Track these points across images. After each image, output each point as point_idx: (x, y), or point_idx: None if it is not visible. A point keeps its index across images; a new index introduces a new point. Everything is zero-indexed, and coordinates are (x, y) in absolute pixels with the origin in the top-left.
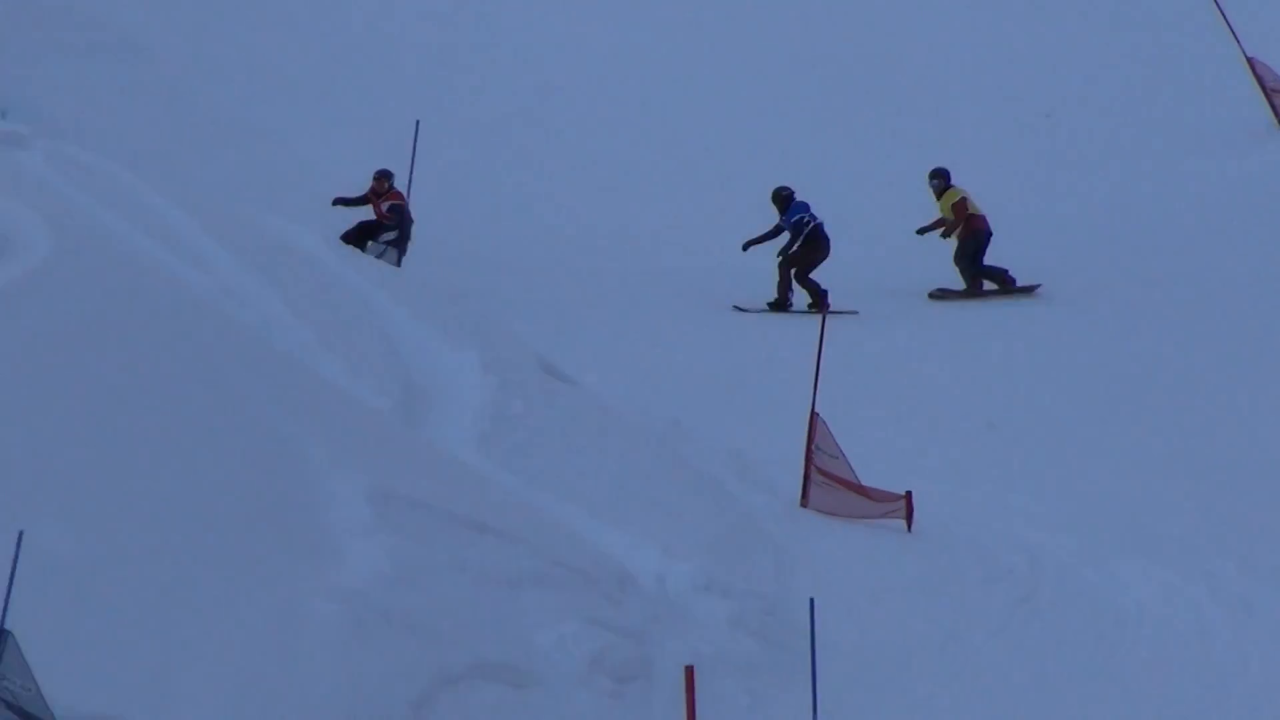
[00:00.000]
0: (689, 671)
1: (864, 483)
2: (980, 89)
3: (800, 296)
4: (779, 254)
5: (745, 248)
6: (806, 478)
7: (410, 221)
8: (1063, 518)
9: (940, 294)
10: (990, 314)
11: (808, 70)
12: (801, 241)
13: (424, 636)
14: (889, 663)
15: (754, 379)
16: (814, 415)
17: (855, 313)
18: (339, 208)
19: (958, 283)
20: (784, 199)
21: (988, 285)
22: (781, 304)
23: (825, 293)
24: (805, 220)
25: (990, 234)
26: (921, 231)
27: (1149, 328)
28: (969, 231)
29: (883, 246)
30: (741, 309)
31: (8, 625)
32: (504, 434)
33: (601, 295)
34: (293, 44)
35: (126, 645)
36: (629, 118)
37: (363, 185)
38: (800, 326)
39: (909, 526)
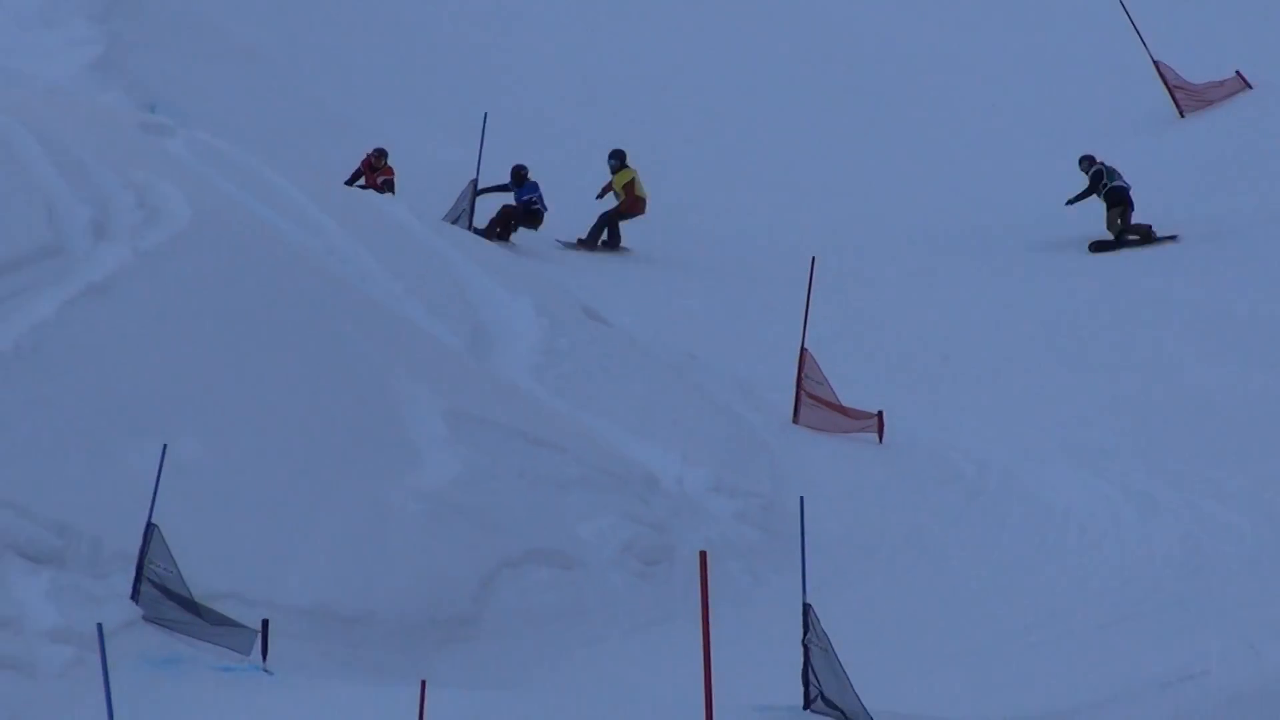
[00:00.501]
0: (703, 556)
1: (844, 403)
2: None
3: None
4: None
5: (1069, 203)
6: (798, 400)
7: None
8: (1005, 433)
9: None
10: (964, 269)
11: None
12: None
13: (489, 528)
14: (864, 549)
15: (755, 322)
16: (804, 350)
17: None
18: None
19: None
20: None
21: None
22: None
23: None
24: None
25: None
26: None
27: (1105, 282)
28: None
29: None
30: None
31: (154, 520)
32: (553, 365)
33: (632, 254)
34: (382, 47)
35: (248, 535)
36: (665, 108)
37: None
38: (794, 279)
39: (880, 439)
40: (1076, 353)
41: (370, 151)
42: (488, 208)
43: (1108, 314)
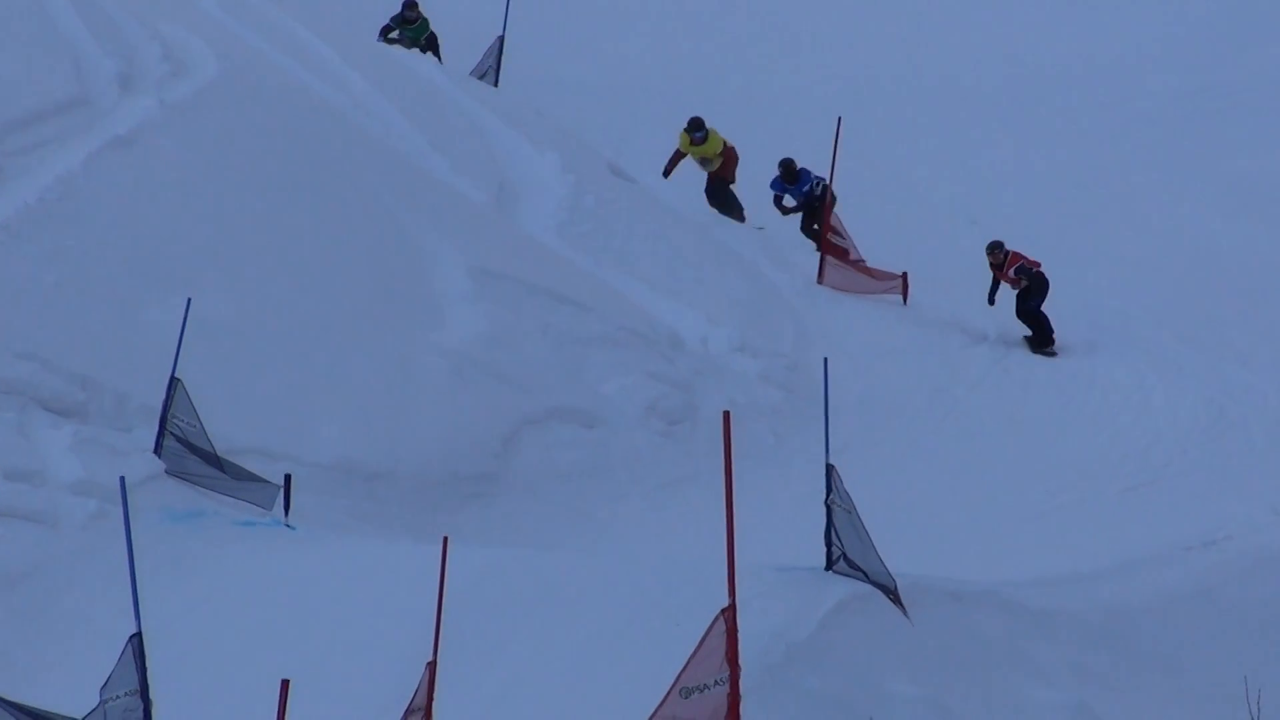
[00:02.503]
0: (726, 416)
1: (869, 265)
2: None
3: None
4: None
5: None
6: (822, 260)
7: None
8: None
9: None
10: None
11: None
12: None
13: (512, 385)
14: (887, 410)
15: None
16: (829, 208)
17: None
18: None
19: None
20: None
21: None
22: None
23: None
24: None
25: None
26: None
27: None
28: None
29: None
30: None
31: (177, 375)
32: (579, 222)
33: (654, 114)
34: None
35: (272, 390)
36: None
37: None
38: (821, 140)
39: (905, 300)
40: (1095, 210)
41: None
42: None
43: (1132, 179)
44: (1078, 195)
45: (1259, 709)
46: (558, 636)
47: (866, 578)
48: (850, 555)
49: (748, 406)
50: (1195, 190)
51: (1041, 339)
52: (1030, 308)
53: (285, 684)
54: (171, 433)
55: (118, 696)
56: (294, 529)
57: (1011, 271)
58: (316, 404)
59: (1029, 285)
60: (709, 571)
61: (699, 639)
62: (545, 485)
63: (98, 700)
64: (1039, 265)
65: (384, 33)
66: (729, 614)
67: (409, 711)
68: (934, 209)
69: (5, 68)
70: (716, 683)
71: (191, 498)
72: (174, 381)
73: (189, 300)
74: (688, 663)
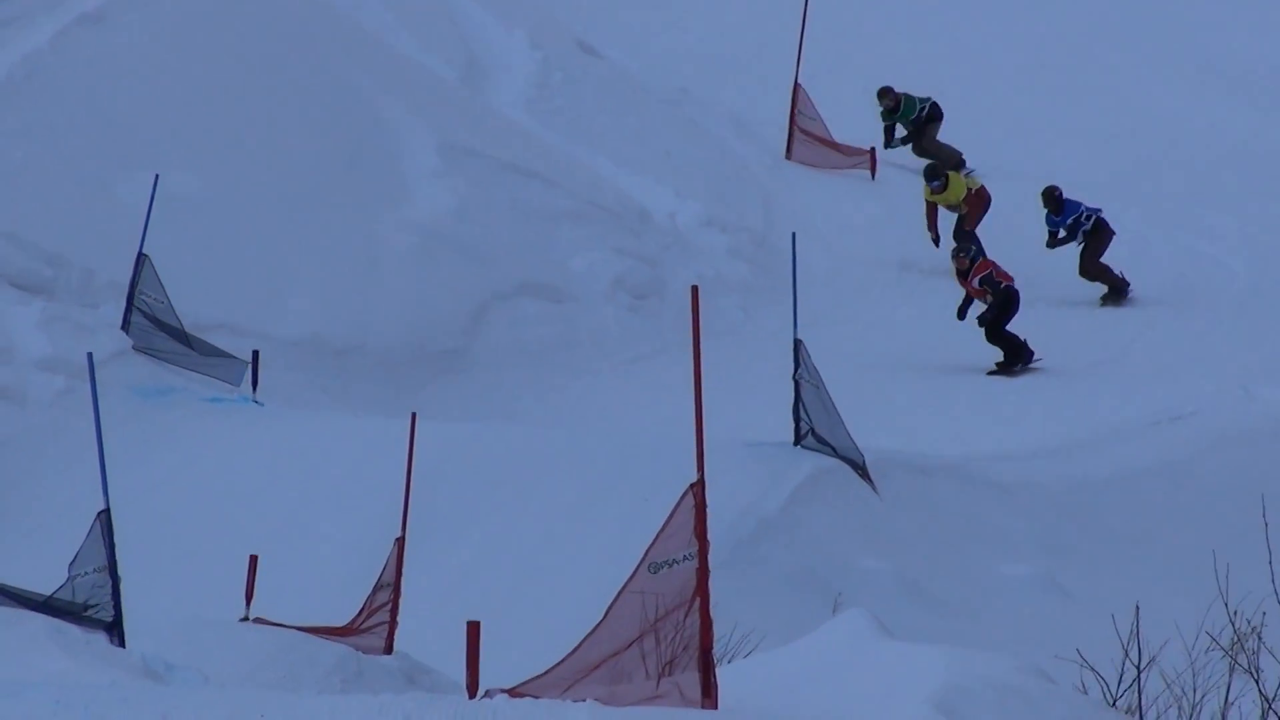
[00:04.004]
0: (694, 291)
1: (836, 139)
2: None
3: None
4: None
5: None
6: (790, 135)
7: None
8: (995, 169)
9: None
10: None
11: None
12: None
13: (481, 261)
14: (855, 285)
15: (748, 55)
16: (797, 85)
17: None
18: None
19: None
20: None
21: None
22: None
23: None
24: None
25: None
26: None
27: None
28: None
29: None
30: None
31: (145, 251)
32: (547, 98)
33: None
34: None
35: (239, 266)
36: None
37: None
38: (788, 9)
39: (873, 175)
40: (1062, 85)
41: None
42: None
43: (1102, 55)
44: (1047, 70)
45: (1226, 581)
46: (525, 511)
47: (835, 452)
48: (818, 430)
49: (716, 281)
50: (1166, 68)
51: (1012, 359)
52: (997, 328)
53: (254, 559)
54: (139, 309)
55: (86, 573)
56: (262, 405)
57: (976, 281)
58: (285, 280)
59: (994, 301)
60: (677, 446)
61: (667, 514)
62: (513, 360)
63: (66, 576)
64: (1011, 279)
65: None
66: (697, 489)
67: (378, 587)
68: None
69: None
70: (685, 557)
71: (159, 374)
72: (141, 257)
73: (156, 176)
74: (656, 538)
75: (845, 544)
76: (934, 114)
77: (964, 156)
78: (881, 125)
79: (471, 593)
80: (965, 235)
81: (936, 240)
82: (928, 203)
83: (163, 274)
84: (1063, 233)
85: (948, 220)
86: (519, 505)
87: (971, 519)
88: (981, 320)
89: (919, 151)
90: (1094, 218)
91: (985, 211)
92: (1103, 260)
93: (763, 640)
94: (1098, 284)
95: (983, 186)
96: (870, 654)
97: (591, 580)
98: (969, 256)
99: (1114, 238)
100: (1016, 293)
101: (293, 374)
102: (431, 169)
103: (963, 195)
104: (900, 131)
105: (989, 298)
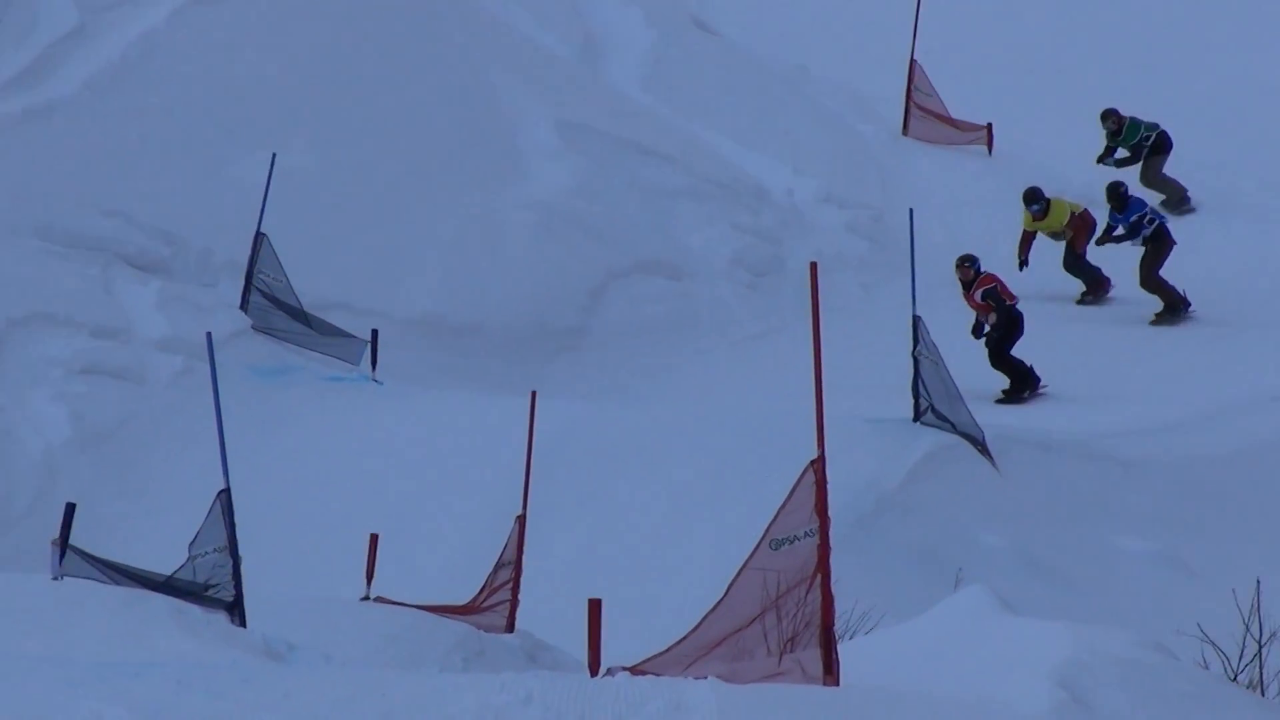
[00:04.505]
0: (813, 267)
1: (953, 116)
2: None
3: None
4: None
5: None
6: (907, 112)
7: None
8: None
9: None
10: None
11: None
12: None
13: (599, 239)
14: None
15: (865, 32)
16: (913, 62)
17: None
18: None
19: None
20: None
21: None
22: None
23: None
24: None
25: None
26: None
27: None
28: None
29: None
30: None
31: (263, 230)
32: (663, 76)
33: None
34: None
35: (358, 245)
36: None
37: None
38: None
39: (990, 150)
40: (1179, 67)
41: None
42: None
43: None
44: (1165, 45)
45: None
46: (646, 488)
47: (954, 428)
48: (938, 406)
49: (834, 258)
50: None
51: (1019, 386)
52: (1001, 351)
53: (374, 538)
54: (258, 288)
55: (206, 552)
56: (381, 384)
57: (979, 295)
58: (403, 259)
59: (998, 321)
60: (797, 423)
61: (788, 491)
62: (632, 338)
63: (186, 556)
64: (1015, 300)
65: None
66: (818, 465)
67: (499, 565)
68: (1018, 53)
69: None
70: (806, 534)
71: (278, 353)
72: (260, 236)
73: (274, 155)
74: (777, 515)
75: (965, 520)
76: (1160, 144)
77: (1189, 193)
78: (1103, 144)
79: (592, 570)
80: (1076, 260)
81: (1023, 264)
82: (1025, 230)
83: (281, 253)
84: (1120, 229)
85: (1050, 248)
86: (640, 483)
87: (1092, 495)
88: (987, 340)
89: (1145, 181)
90: (1157, 223)
91: (1092, 234)
92: (1162, 274)
93: (883, 617)
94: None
95: (1086, 210)
96: (991, 630)
97: (712, 557)
98: (974, 267)
99: (1174, 247)
100: (1021, 314)
101: (412, 353)
102: (549, 147)
103: (1065, 220)
104: (1121, 152)
105: (992, 315)
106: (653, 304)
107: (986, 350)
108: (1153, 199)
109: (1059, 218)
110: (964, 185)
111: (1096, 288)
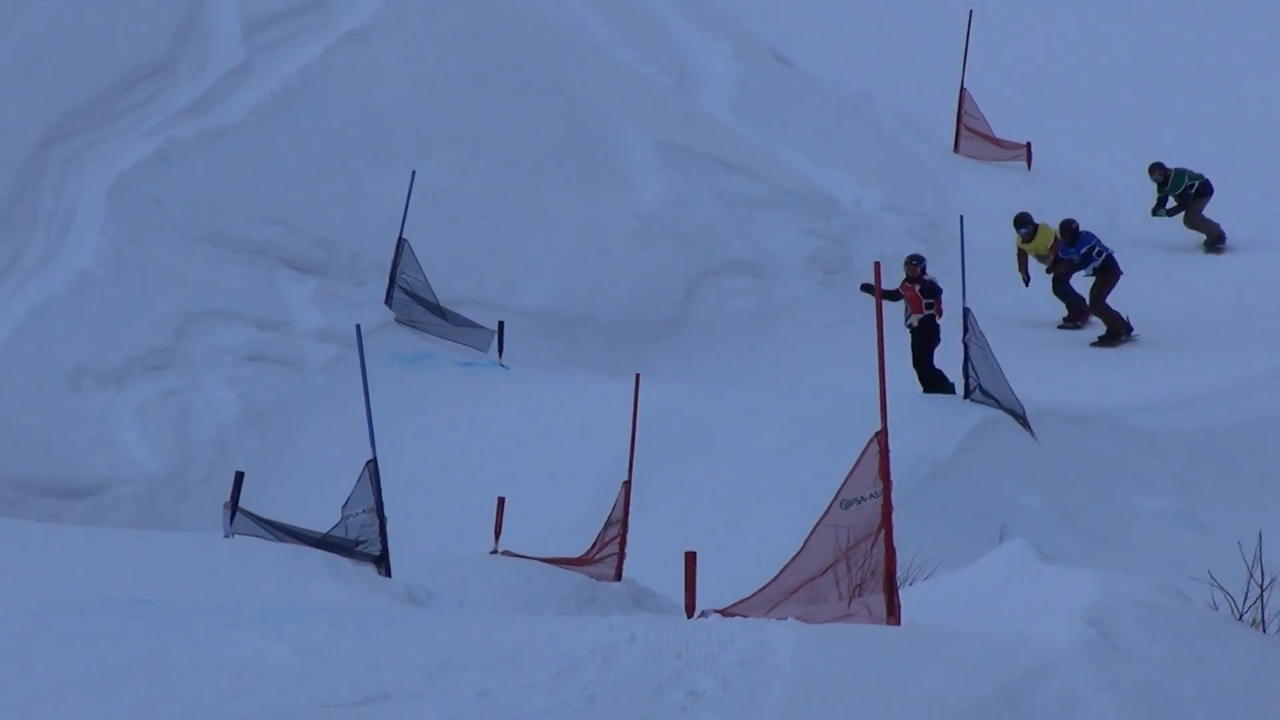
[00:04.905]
0: (876, 266)
1: (997, 135)
2: None
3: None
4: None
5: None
6: (958, 132)
7: None
8: (1140, 159)
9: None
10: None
11: None
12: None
13: (692, 242)
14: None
15: (919, 62)
16: (963, 90)
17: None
18: None
19: None
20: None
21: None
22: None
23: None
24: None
25: None
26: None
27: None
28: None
29: None
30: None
31: (404, 236)
32: (747, 102)
33: (817, 5)
34: None
35: (486, 248)
36: None
37: None
38: (952, 28)
39: (1029, 166)
40: (1208, 76)
41: None
42: None
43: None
44: (1198, 70)
45: None
46: (735, 457)
47: (998, 405)
48: (984, 385)
49: (894, 257)
50: None
51: (936, 389)
52: (925, 357)
53: (501, 501)
54: (400, 286)
55: (356, 514)
56: (507, 368)
57: (918, 289)
58: (525, 260)
59: (921, 324)
60: (863, 401)
61: (855, 458)
62: (721, 328)
63: (339, 517)
64: (941, 314)
65: None
66: (881, 437)
67: (608, 523)
68: (1056, 75)
69: None
70: (871, 495)
71: (417, 342)
72: (402, 242)
73: (414, 173)
74: (846, 479)
75: (1008, 483)
76: (1204, 189)
77: (1224, 231)
78: (1155, 193)
79: (689, 527)
80: (1059, 286)
81: (1026, 281)
82: (1019, 249)
83: (420, 256)
84: (1075, 259)
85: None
86: (728, 452)
87: (1117, 461)
88: (914, 338)
89: (1188, 224)
90: (1105, 255)
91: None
92: (1108, 301)
93: (938, 566)
94: (1097, 321)
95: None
96: (1030, 577)
97: (792, 515)
98: (921, 267)
99: (1121, 277)
100: (939, 326)
101: (532, 341)
102: (649, 163)
103: (1049, 244)
104: (1170, 203)
105: (915, 318)
106: (738, 299)
107: (912, 352)
108: (1194, 239)
109: (1044, 242)
110: (1007, 196)
111: (1078, 316)
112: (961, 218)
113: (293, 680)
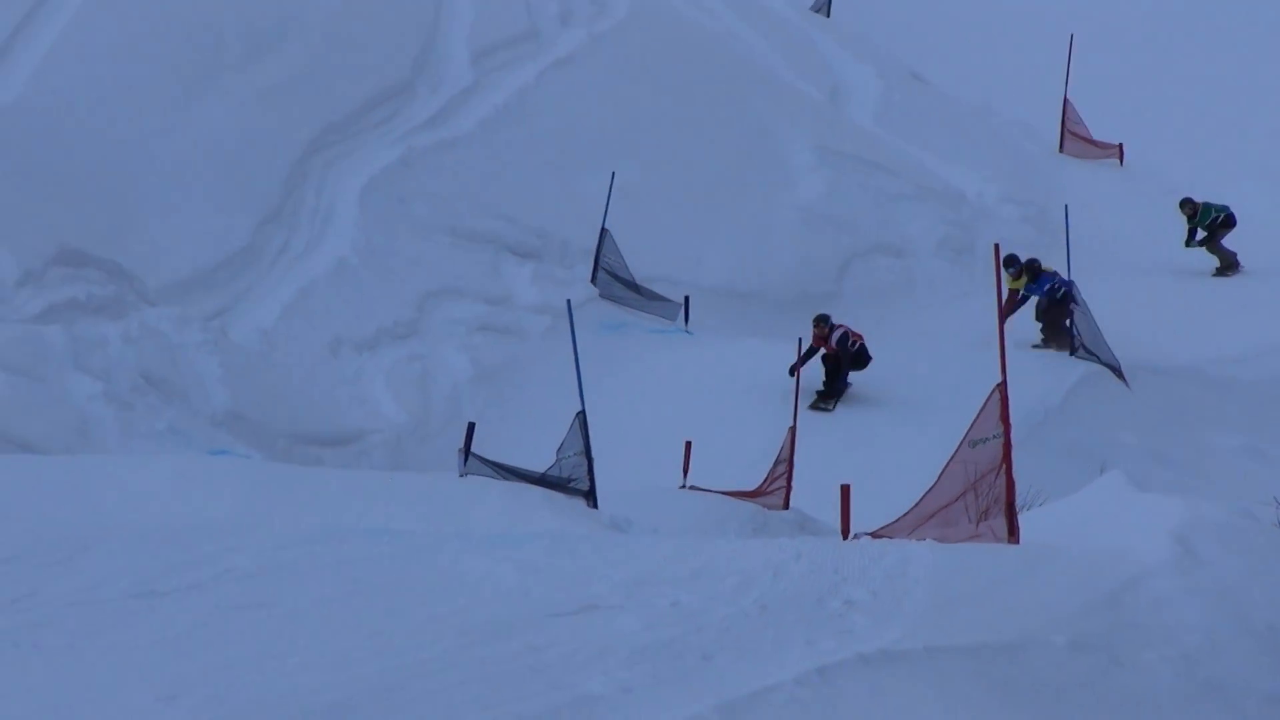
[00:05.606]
0: (996, 248)
1: (1095, 137)
2: None
3: None
4: None
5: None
6: (1062, 135)
7: None
8: (1222, 160)
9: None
10: None
11: None
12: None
13: (845, 230)
14: (1111, 244)
15: (1033, 79)
16: (1066, 99)
17: None
18: None
19: None
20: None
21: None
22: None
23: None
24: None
25: None
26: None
27: None
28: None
29: None
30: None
31: (607, 226)
32: (889, 113)
33: (950, 28)
34: None
35: (673, 236)
36: None
37: None
38: (1055, 47)
39: (1121, 163)
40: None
41: None
42: None
43: None
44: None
45: None
46: (879, 406)
47: (1098, 360)
48: (1087, 344)
49: (1010, 242)
50: None
51: (831, 393)
52: (839, 373)
53: (688, 444)
54: (603, 268)
55: (568, 456)
56: (692, 334)
57: (834, 341)
58: (706, 246)
59: (847, 358)
60: (986, 358)
61: (980, 406)
62: (868, 300)
63: (554, 459)
64: (860, 338)
65: None
66: (1001, 387)
67: (777, 461)
68: (1155, 89)
69: (475, 11)
70: (994, 436)
71: (617, 314)
72: (604, 231)
73: (613, 174)
74: (973, 422)
75: (1107, 426)
76: (1228, 220)
77: (1239, 259)
78: (1185, 225)
79: (844, 464)
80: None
81: (1003, 319)
82: (1009, 288)
83: (618, 242)
84: (1036, 298)
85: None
86: (875, 401)
87: (1198, 405)
88: (832, 369)
89: (1211, 250)
90: (1063, 289)
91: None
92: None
93: (1050, 495)
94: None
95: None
96: (1126, 503)
97: (931, 450)
98: (827, 325)
99: (1076, 307)
100: (865, 349)
101: (712, 312)
102: (808, 164)
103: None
104: (1200, 234)
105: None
106: (883, 275)
107: (825, 371)
108: (1209, 263)
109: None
110: (1102, 188)
111: (1060, 343)
112: (1066, 207)
113: (516, 595)
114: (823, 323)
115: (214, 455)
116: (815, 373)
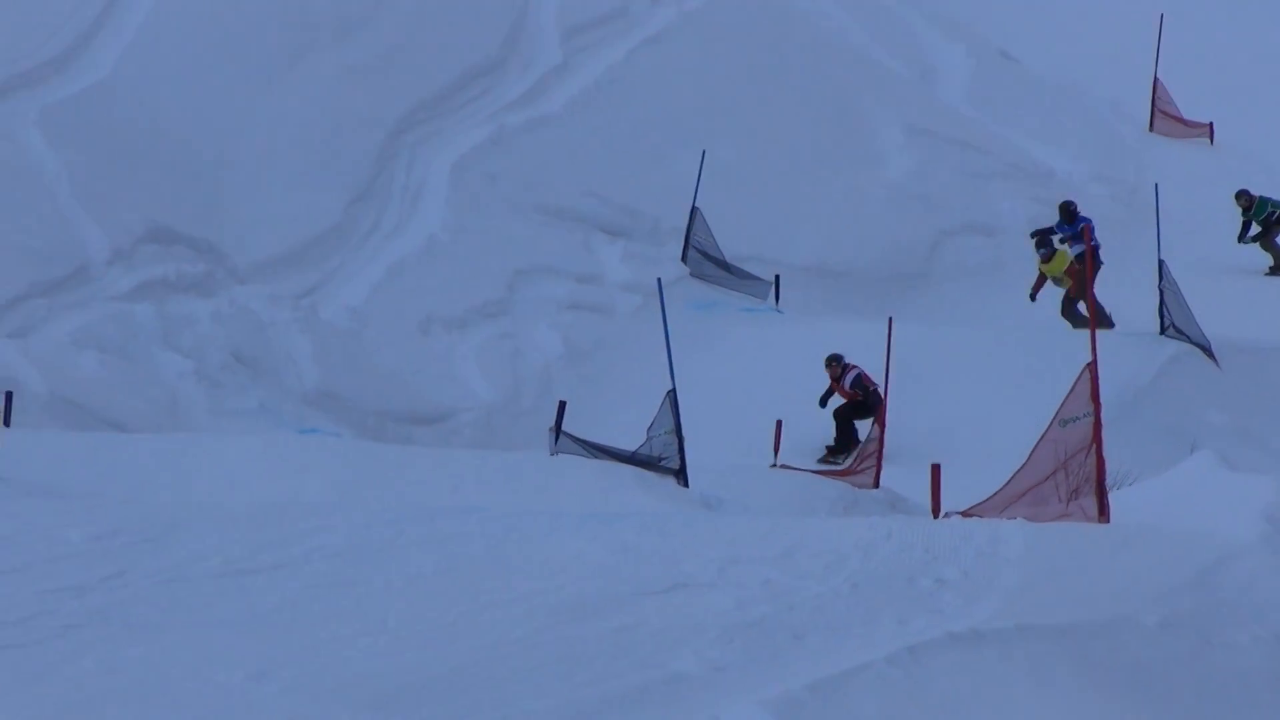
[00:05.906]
0: (1087, 226)
1: (1185, 117)
2: None
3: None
4: None
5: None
6: (1152, 114)
7: None
8: None
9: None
10: None
11: None
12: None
13: (934, 207)
14: (1198, 221)
15: (1124, 58)
16: (1156, 79)
17: None
18: None
19: None
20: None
21: None
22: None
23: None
24: None
25: None
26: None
27: None
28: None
29: None
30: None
31: (697, 204)
32: (979, 92)
33: (1041, 10)
34: None
35: (765, 214)
36: None
37: None
38: (1145, 24)
39: (1211, 142)
40: None
41: None
42: None
43: None
44: None
45: None
46: (971, 385)
47: (1188, 339)
48: (1177, 323)
49: (1101, 220)
50: None
51: (843, 447)
52: (849, 418)
53: (779, 423)
54: (694, 246)
55: (659, 434)
56: (782, 313)
57: (848, 384)
58: (797, 224)
59: (861, 401)
60: (1078, 337)
61: (1071, 384)
62: (959, 278)
63: (645, 437)
64: (875, 385)
65: None
66: (1092, 367)
67: (867, 440)
68: (1245, 65)
69: None
70: (1084, 415)
71: (708, 292)
72: (695, 210)
73: (704, 152)
74: (1064, 401)
75: (1197, 404)
76: None
77: None
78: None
79: (934, 444)
80: (1068, 305)
81: (1033, 297)
82: (1039, 270)
83: (709, 221)
84: (1070, 234)
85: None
86: (967, 381)
87: None
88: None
89: (1265, 246)
90: (1094, 245)
91: (1082, 284)
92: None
93: (1140, 474)
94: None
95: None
96: (1216, 482)
97: (1021, 427)
98: (840, 364)
99: (1102, 266)
100: (879, 395)
101: (803, 291)
102: (898, 143)
103: (1065, 268)
104: (1254, 229)
105: (859, 398)
106: (973, 254)
107: (835, 418)
108: (1263, 261)
109: (1059, 265)
110: (1193, 167)
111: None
112: (1156, 185)
113: (606, 573)
114: (835, 363)
115: (304, 434)
116: (826, 424)
